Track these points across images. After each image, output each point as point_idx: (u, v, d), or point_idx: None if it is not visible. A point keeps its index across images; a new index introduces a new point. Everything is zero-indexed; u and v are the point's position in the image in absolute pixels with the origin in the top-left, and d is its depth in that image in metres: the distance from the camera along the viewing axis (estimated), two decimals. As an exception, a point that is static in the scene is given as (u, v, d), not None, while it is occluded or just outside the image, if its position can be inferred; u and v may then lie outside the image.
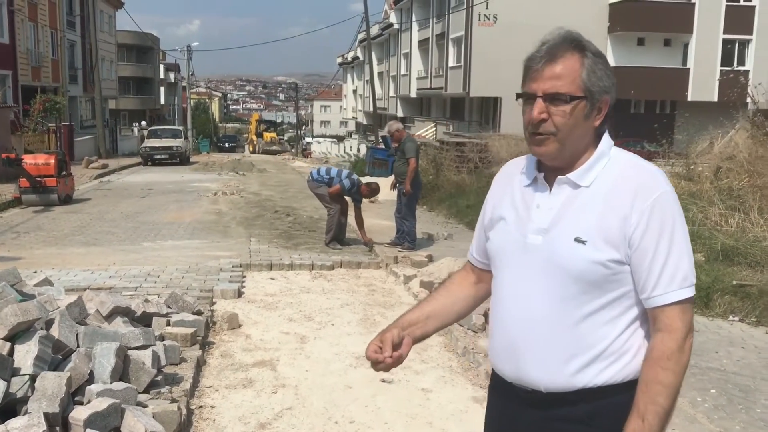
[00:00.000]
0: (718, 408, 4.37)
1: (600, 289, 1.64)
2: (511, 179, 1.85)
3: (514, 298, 1.74)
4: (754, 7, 33.23)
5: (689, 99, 31.61)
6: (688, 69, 33.13)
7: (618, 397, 1.67)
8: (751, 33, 33.33)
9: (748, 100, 16.20)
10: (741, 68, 32.67)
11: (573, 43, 1.65)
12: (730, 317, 6.30)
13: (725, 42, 33.36)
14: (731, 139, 15.80)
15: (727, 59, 33.44)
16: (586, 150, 1.70)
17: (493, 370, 1.91)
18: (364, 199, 10.12)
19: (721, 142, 15.92)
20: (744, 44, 33.71)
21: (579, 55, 1.64)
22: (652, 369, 1.62)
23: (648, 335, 1.70)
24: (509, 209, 1.79)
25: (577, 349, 1.65)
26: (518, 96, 1.71)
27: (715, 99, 31.66)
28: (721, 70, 32.89)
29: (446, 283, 2.08)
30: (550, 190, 1.73)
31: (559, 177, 1.71)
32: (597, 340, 1.65)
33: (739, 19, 32.99)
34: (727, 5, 32.98)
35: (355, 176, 9.87)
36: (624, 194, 1.63)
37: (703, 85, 32.69)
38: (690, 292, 1.64)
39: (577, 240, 1.63)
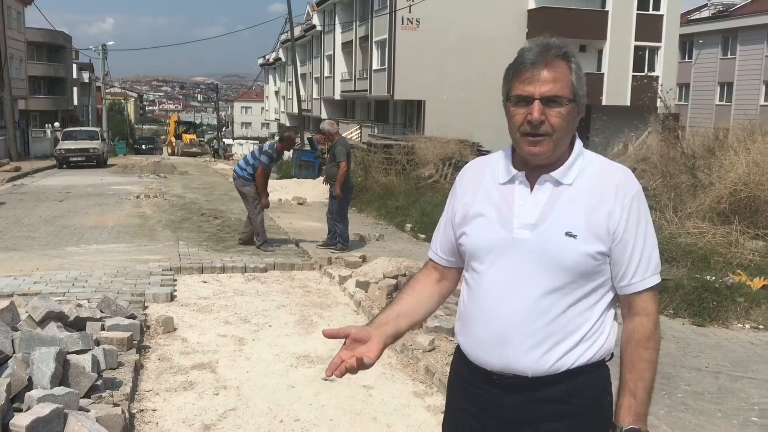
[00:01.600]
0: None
1: (586, 278, 1.77)
2: (481, 178, 1.92)
3: (502, 291, 1.80)
4: (662, 16, 34.92)
5: (604, 103, 32.81)
6: (603, 74, 34.39)
7: (592, 375, 1.83)
8: (659, 40, 35.01)
9: (659, 104, 17.03)
10: (651, 74, 34.36)
11: (561, 51, 1.76)
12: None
13: (636, 49, 34.86)
14: (644, 142, 16.57)
15: (638, 65, 35.02)
16: (566, 150, 1.82)
17: (459, 362, 1.96)
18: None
19: (635, 144, 16.68)
20: (654, 51, 35.34)
21: (567, 63, 1.77)
22: (636, 350, 1.81)
23: (614, 317, 1.86)
24: (487, 206, 1.86)
25: (563, 336, 1.77)
26: (508, 99, 1.79)
27: (628, 103, 33.12)
28: (633, 76, 34.43)
29: (410, 282, 2.08)
30: (531, 187, 1.82)
31: (543, 175, 1.81)
32: (579, 325, 1.78)
33: (648, 27, 34.57)
34: (637, 14, 34.47)
35: (266, 145, 9.83)
36: (606, 192, 1.78)
37: (617, 89, 34.07)
38: (659, 278, 1.82)
39: (568, 234, 1.74)
